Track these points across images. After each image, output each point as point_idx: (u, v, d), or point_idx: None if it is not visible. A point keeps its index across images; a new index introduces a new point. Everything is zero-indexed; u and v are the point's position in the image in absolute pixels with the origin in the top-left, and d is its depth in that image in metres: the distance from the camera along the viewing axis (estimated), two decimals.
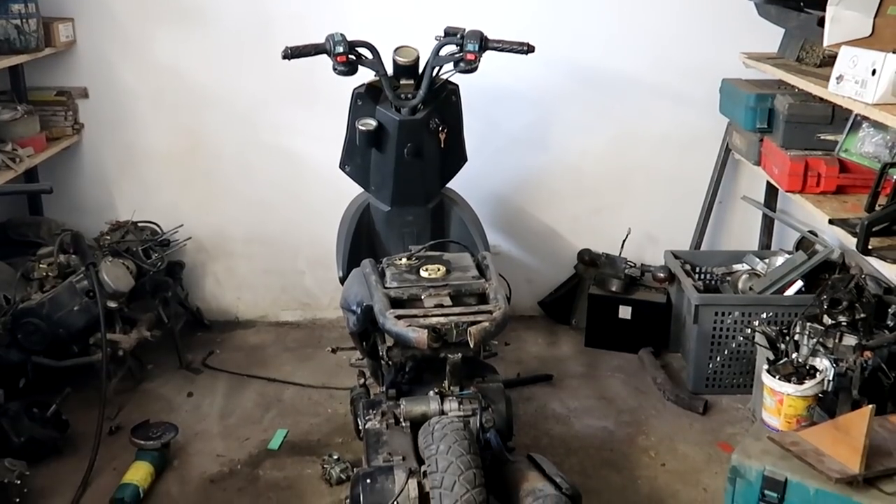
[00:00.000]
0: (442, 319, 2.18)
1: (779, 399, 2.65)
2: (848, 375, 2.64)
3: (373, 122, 2.97)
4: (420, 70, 3.00)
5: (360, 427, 2.41)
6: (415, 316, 2.20)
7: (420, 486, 2.04)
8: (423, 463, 2.08)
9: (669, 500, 2.76)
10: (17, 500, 2.55)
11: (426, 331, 2.12)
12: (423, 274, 2.39)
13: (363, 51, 2.98)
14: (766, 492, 2.21)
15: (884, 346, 2.66)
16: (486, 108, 3.68)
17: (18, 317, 3.06)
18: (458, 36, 2.97)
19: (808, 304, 2.91)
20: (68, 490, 2.73)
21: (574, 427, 3.17)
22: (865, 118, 2.88)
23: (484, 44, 2.94)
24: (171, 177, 3.90)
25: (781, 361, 2.74)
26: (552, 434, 3.12)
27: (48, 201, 3.82)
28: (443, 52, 2.98)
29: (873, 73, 2.47)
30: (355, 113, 3.03)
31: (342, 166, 3.16)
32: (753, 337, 3.04)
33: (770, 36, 3.59)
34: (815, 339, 2.78)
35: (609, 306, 3.72)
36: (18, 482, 2.55)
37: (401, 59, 2.98)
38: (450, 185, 3.23)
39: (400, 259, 2.48)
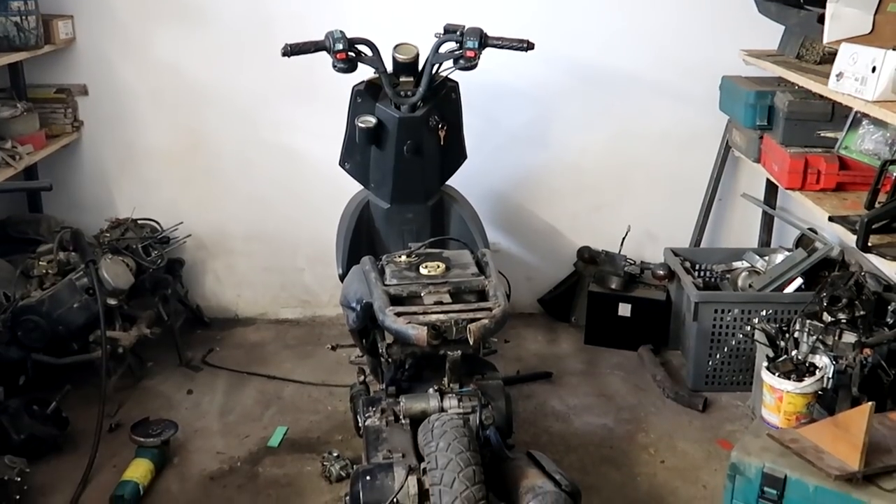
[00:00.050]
0: (441, 317, 2.18)
1: (778, 396, 2.65)
2: (847, 373, 2.64)
3: (372, 120, 2.97)
4: (420, 67, 3.00)
5: (360, 424, 2.41)
6: (414, 313, 2.20)
7: (420, 482, 2.04)
8: (422, 460, 2.08)
9: (669, 497, 2.76)
10: (18, 497, 2.56)
11: (426, 328, 2.12)
12: (423, 271, 2.39)
13: (363, 48, 2.98)
14: (766, 489, 2.21)
15: (883, 343, 2.66)
16: (485, 106, 3.68)
17: (18, 314, 3.06)
18: (458, 33, 2.96)
19: (807, 301, 2.91)
20: (68, 487, 2.74)
21: (573, 424, 3.17)
22: (865, 115, 2.88)
23: (483, 41, 2.94)
24: (171, 174, 3.90)
25: (781, 359, 2.74)
26: (552, 431, 3.12)
27: (48, 199, 3.82)
28: (442, 49, 2.98)
29: (873, 70, 2.47)
30: (355, 110, 3.03)
31: (342, 163, 3.16)
32: (753, 334, 3.04)
33: (770, 33, 3.58)
34: (814, 337, 2.78)
35: (609, 304, 3.72)
36: (18, 479, 2.55)
37: (400, 57, 2.98)
38: (449, 182, 3.23)
39: (399, 256, 2.48)
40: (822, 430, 2.28)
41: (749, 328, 3.10)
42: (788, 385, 2.62)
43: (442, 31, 3.04)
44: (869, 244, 2.53)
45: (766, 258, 3.58)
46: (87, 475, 2.78)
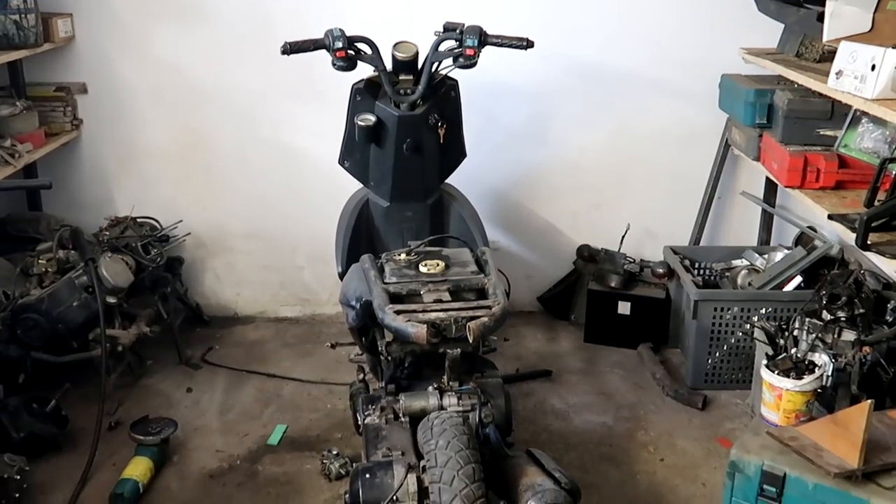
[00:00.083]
0: (441, 315, 2.18)
1: (778, 394, 2.65)
2: (847, 370, 2.65)
3: (372, 118, 2.97)
4: (419, 65, 3.00)
5: (360, 422, 2.41)
6: (414, 311, 2.20)
7: (419, 480, 2.04)
8: (422, 458, 2.08)
9: (668, 494, 2.76)
10: (17, 495, 2.56)
11: (425, 326, 2.12)
12: (423, 269, 2.39)
13: (362, 46, 2.98)
14: (765, 486, 2.21)
15: (882, 341, 2.66)
16: (485, 104, 3.68)
17: (18, 312, 3.05)
18: (457, 31, 2.96)
19: (807, 299, 2.91)
20: (68, 485, 2.74)
21: (573, 422, 3.17)
22: (865, 113, 2.88)
23: (483, 39, 2.93)
24: (171, 172, 3.89)
25: (780, 357, 2.74)
26: (551, 429, 3.12)
27: (47, 197, 3.81)
28: (442, 47, 2.98)
29: (873, 68, 2.47)
30: (354, 108, 3.03)
31: (341, 162, 3.16)
32: (752, 332, 3.05)
33: (769, 31, 3.58)
34: (814, 335, 2.78)
35: (608, 302, 3.72)
36: (18, 477, 2.55)
37: (400, 55, 2.98)
38: (449, 180, 3.23)
39: (399, 254, 2.48)
40: (821, 428, 2.28)
41: (748, 326, 3.11)
42: (788, 383, 2.63)
43: (441, 30, 3.04)
44: (868, 242, 2.54)
45: (766, 256, 3.58)
46: (87, 473, 2.78)
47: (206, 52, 3.73)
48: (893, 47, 2.43)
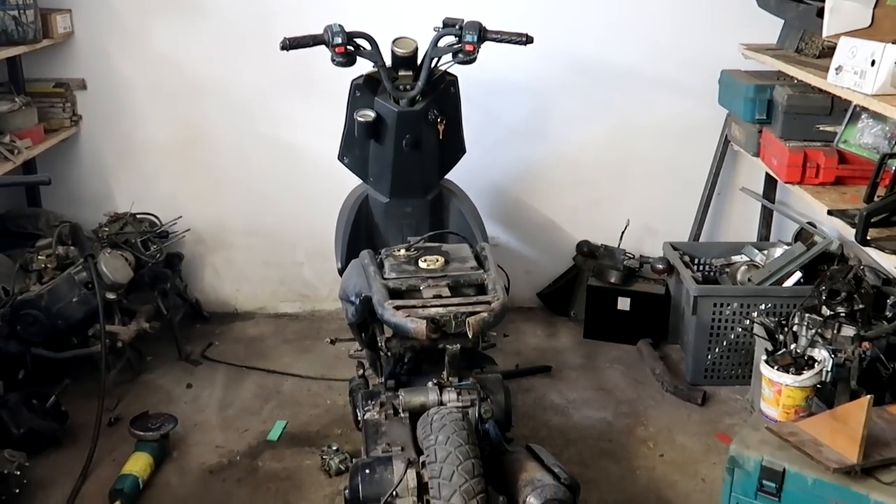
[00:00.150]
0: (440, 310, 2.18)
1: (777, 390, 2.65)
2: (846, 366, 2.65)
3: (371, 114, 2.96)
4: (419, 61, 2.99)
5: (359, 418, 2.41)
6: (413, 307, 2.19)
7: (419, 476, 2.04)
8: (421, 453, 2.09)
9: (667, 490, 2.77)
10: (17, 490, 2.56)
11: (425, 321, 2.12)
12: (422, 265, 2.39)
13: (361, 42, 2.98)
14: (765, 482, 2.22)
15: (882, 336, 2.66)
16: (484, 100, 3.68)
17: (17, 308, 3.06)
18: (457, 27, 2.96)
19: (806, 295, 2.91)
20: (68, 481, 2.74)
21: (573, 418, 3.17)
22: (864, 109, 2.88)
23: (482, 34, 2.93)
24: (170, 168, 3.89)
25: (780, 352, 2.74)
26: (551, 425, 3.12)
27: (46, 193, 3.81)
28: (441, 43, 2.97)
29: (872, 63, 2.46)
30: (354, 104, 3.02)
31: (341, 158, 3.16)
32: (752, 328, 3.04)
33: (769, 27, 3.58)
34: (813, 330, 2.78)
35: (608, 298, 3.73)
36: (18, 473, 2.55)
37: (399, 51, 2.97)
38: (448, 176, 3.23)
39: (399, 250, 2.48)
40: (820, 424, 2.28)
41: (748, 322, 3.10)
42: (787, 378, 2.62)
43: (441, 25, 3.03)
44: (868, 238, 2.53)
45: (765, 252, 3.58)
46: (87, 469, 2.79)
47: (206, 48, 3.73)
48: (893, 42, 2.42)
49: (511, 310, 2.38)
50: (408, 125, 2.96)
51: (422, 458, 2.06)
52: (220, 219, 3.97)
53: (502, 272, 2.44)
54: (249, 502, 2.71)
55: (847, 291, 2.80)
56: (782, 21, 3.52)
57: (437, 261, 2.39)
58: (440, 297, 2.26)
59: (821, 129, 3.11)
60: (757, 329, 2.99)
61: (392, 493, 2.02)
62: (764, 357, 2.75)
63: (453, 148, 3.16)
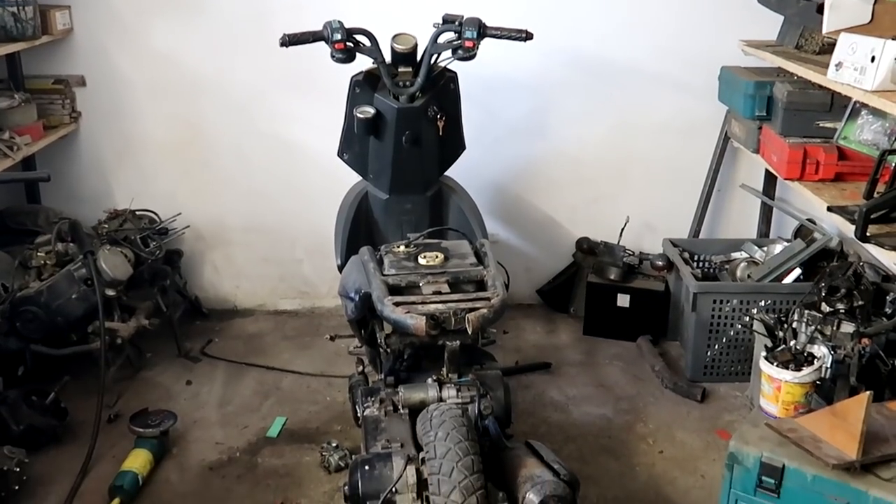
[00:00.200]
0: (440, 306, 2.18)
1: (777, 386, 2.65)
2: (846, 362, 2.64)
3: (371, 110, 2.96)
4: (418, 57, 2.99)
5: (359, 414, 2.41)
6: (413, 303, 2.20)
7: (418, 472, 2.04)
8: (421, 450, 2.08)
9: (667, 486, 2.77)
10: (17, 487, 2.56)
11: (424, 318, 2.12)
12: (422, 261, 2.39)
13: (361, 38, 2.97)
14: (764, 478, 2.22)
15: (881, 333, 2.66)
16: (484, 97, 3.67)
17: (17, 305, 3.06)
18: (457, 23, 2.96)
19: (806, 291, 2.91)
20: (67, 478, 2.74)
21: (572, 414, 3.17)
22: (864, 105, 2.88)
23: (482, 31, 2.93)
24: (169, 165, 3.89)
25: (779, 349, 2.74)
26: (550, 421, 3.12)
27: (46, 189, 3.81)
28: (441, 39, 2.97)
29: (872, 59, 2.46)
30: (353, 101, 3.02)
31: (340, 154, 3.16)
32: (752, 325, 3.04)
33: (769, 23, 3.58)
34: (813, 327, 2.78)
35: (607, 294, 3.73)
36: (17, 470, 2.56)
37: (399, 47, 2.97)
38: (448, 173, 3.23)
39: (398, 246, 2.48)
40: (820, 420, 2.28)
41: (747, 318, 3.10)
42: (787, 375, 2.62)
43: (440, 21, 3.03)
44: (867, 234, 2.53)
45: (765, 249, 3.58)
46: (87, 466, 2.78)
47: (205, 44, 3.72)
48: (893, 39, 2.42)
49: (510, 306, 2.38)
50: (407, 121, 2.96)
51: (421, 455, 2.06)
52: (220, 215, 3.97)
53: (502, 269, 2.44)
54: (249, 499, 2.71)
55: (847, 288, 2.80)
56: (782, 17, 3.52)
57: (437, 257, 2.39)
58: (440, 293, 2.27)
59: (820, 125, 3.11)
60: (756, 325, 2.99)
61: (392, 490, 2.02)
62: (763, 353, 2.75)
63: (453, 144, 3.15)
